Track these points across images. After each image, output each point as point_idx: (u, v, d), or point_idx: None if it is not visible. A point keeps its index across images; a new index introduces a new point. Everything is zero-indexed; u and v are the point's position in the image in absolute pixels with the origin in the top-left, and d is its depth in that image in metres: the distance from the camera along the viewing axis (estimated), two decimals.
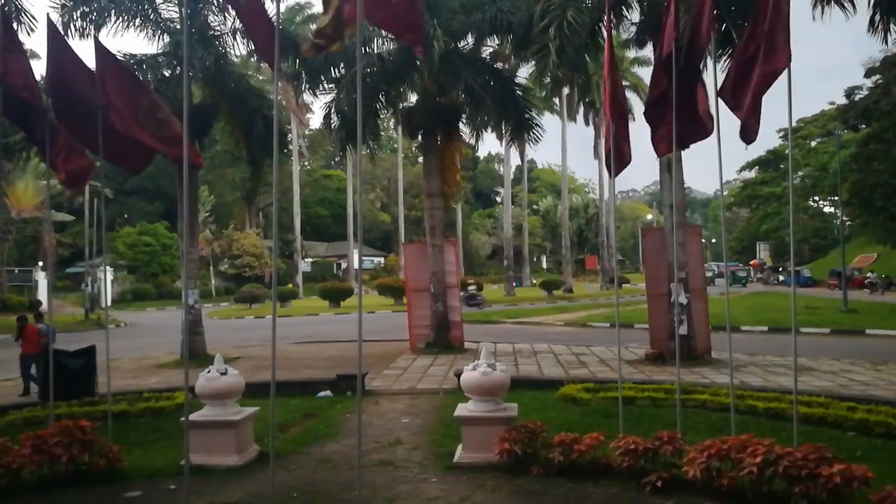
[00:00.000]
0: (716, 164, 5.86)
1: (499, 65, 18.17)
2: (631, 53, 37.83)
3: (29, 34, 12.80)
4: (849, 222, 49.42)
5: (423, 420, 8.41)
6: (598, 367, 12.37)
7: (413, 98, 16.98)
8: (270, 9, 7.01)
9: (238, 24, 14.79)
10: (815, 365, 12.18)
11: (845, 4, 11.26)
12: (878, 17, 11.35)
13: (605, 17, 8.91)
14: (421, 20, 5.97)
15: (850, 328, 19.55)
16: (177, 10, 14.76)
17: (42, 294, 38.86)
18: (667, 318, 12.65)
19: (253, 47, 15.03)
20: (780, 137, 63.80)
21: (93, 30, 14.00)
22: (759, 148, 66.95)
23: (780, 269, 58.71)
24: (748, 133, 5.50)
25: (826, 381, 10.53)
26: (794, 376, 5.54)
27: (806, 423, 7.05)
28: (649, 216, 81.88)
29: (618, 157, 6.64)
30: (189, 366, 5.57)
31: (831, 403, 7.89)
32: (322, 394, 10.22)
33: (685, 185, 13.65)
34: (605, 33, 9.19)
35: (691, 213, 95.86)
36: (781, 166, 65.79)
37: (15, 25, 11.78)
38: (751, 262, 68.65)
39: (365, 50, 15.22)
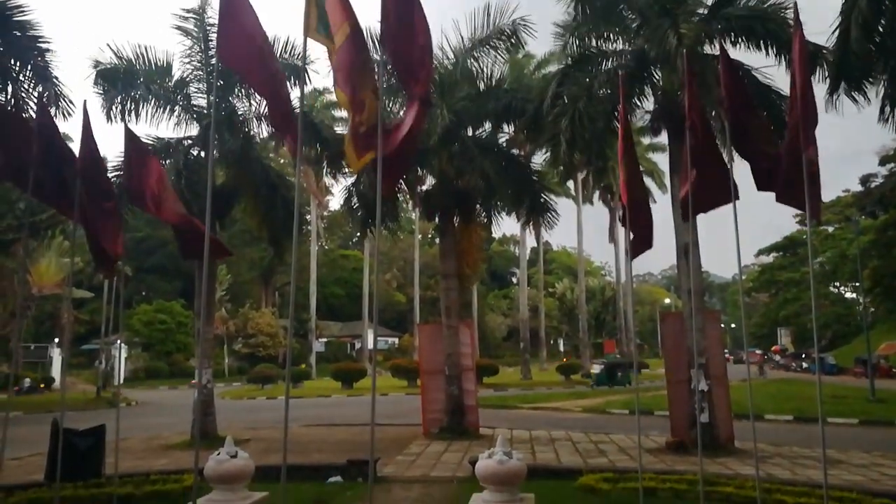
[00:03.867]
0: (733, 248, 5.87)
1: (514, 150, 18.60)
2: (646, 140, 38.60)
3: (66, 118, 13.35)
4: (872, 309, 48.66)
5: None
6: (617, 456, 11.97)
7: (431, 181, 17.32)
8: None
9: (263, 109, 15.41)
10: (844, 458, 11.71)
11: (856, 97, 11.50)
12: (888, 109, 11.59)
13: (620, 107, 9.14)
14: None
15: (880, 419, 18.89)
16: (205, 97, 15.43)
17: (56, 371, 38.84)
18: (687, 405, 12.32)
19: (273, 129, 15.72)
20: (797, 223, 63.99)
21: (132, 116, 14.74)
22: (775, 233, 66.99)
23: (804, 355, 57.45)
24: (815, 213, 5.73)
25: (857, 474, 10.09)
26: (824, 469, 5.32)
27: None
28: (667, 300, 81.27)
29: (640, 241, 6.67)
30: (199, 447, 5.47)
31: (864, 500, 7.53)
32: (332, 479, 9.95)
33: (702, 270, 13.61)
34: (619, 122, 9.40)
35: (709, 297, 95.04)
36: (799, 251, 65.58)
37: (53, 110, 12.34)
38: (772, 348, 67.40)
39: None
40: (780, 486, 8.34)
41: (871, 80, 11.33)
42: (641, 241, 6.77)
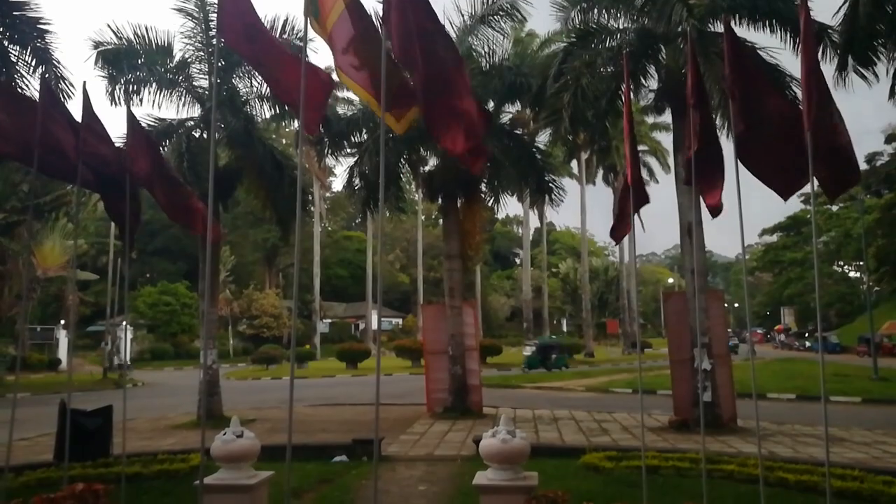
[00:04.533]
0: (736, 227, 5.83)
1: (518, 130, 18.49)
2: (650, 119, 38.34)
3: (67, 100, 13.27)
4: (876, 288, 48.62)
5: (441, 488, 8.19)
6: (620, 435, 12.05)
7: (434, 161, 17.27)
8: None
9: (265, 89, 15.33)
10: (847, 435, 11.77)
11: (866, 75, 11.40)
12: None
13: (624, 85, 9.06)
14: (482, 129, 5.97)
15: (882, 397, 18.95)
16: (206, 77, 15.33)
17: (62, 352, 39.12)
18: (690, 384, 12.38)
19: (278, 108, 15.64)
20: (801, 202, 63.70)
21: (135, 98, 14.67)
22: (778, 213, 66.74)
23: (806, 334, 57.54)
24: (830, 193, 5.78)
25: (859, 452, 10.14)
26: (826, 447, 5.33)
27: (840, 497, 6.76)
28: (670, 280, 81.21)
29: (624, 222, 6.65)
30: (205, 427, 5.51)
31: (866, 477, 7.57)
32: (337, 458, 10.03)
33: (706, 250, 13.59)
34: (624, 101, 9.32)
35: (713, 277, 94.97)
36: (803, 231, 65.44)
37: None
38: (776, 328, 67.51)
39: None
40: (782, 464, 8.39)
41: (879, 56, 11.22)
42: (626, 222, 6.72)
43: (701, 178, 6.14)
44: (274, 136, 32.94)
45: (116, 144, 12.40)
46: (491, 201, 17.89)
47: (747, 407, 12.42)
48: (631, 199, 6.51)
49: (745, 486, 7.53)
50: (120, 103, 14.66)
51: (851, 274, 65.42)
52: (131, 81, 14.68)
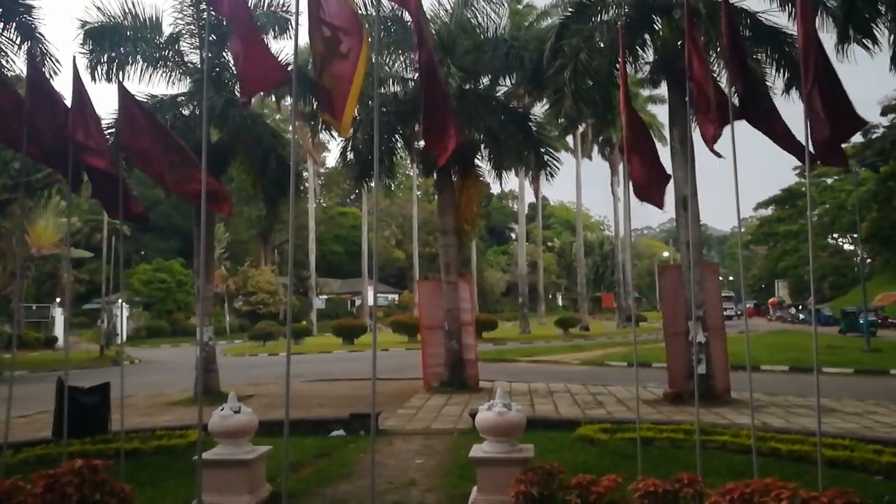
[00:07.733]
0: (731, 201, 5.83)
1: (513, 103, 18.36)
2: (645, 91, 38.04)
3: (52, 77, 13.10)
4: (869, 260, 48.85)
5: (438, 461, 8.27)
6: (615, 407, 12.16)
7: None
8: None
9: None
10: (838, 406, 11.90)
11: (868, 45, 11.33)
12: None
13: (620, 58, 8.96)
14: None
15: (874, 368, 19.15)
16: (196, 52, 15.11)
17: (59, 330, 39.15)
18: (685, 357, 12.47)
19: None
20: (796, 175, 63.76)
21: (120, 74, 14.45)
22: (774, 186, 66.72)
23: (800, 307, 57.89)
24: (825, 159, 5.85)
25: (851, 422, 10.26)
26: (818, 417, 5.39)
27: (831, 466, 6.85)
28: (665, 253, 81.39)
29: (650, 189, 6.61)
30: (202, 403, 5.54)
31: (857, 446, 7.68)
32: (335, 433, 10.12)
33: (701, 223, 13.60)
34: (620, 75, 9.23)
35: (708, 250, 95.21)
36: (798, 203, 65.52)
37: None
38: (770, 301, 67.87)
39: (382, 89, 15.50)
40: (774, 435, 8.49)
41: (878, 25, 11.15)
42: (650, 189, 6.66)
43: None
44: (265, 111, 32.64)
45: (108, 121, 12.28)
46: (490, 176, 17.81)
47: (741, 379, 12.56)
48: (626, 171, 6.48)
49: (738, 456, 7.63)
50: (100, 80, 14.46)
51: (846, 246, 65.67)
52: (114, 59, 14.44)
